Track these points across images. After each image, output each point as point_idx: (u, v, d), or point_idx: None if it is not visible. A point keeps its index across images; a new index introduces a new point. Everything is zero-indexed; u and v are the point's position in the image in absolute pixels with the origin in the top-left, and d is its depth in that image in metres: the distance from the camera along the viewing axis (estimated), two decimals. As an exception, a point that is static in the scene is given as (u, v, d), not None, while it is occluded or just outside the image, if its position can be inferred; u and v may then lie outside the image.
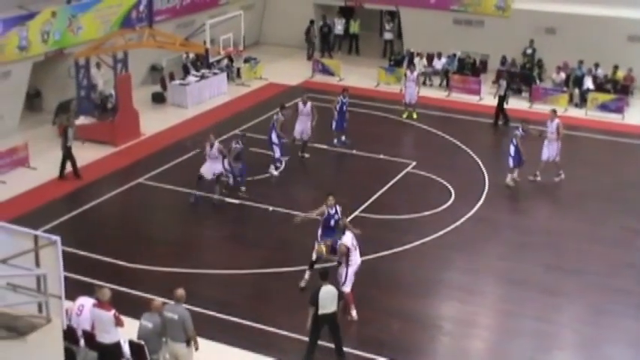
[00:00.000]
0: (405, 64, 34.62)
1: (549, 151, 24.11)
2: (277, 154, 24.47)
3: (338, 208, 18.14)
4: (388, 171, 24.62)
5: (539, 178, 24.22)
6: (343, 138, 26.72)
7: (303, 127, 25.55)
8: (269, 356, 15.80)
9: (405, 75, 30.45)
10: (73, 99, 27.80)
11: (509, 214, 22.39)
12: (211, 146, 22.24)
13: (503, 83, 29.71)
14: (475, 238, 20.92)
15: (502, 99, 29.52)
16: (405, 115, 29.96)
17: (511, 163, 23.88)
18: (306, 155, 25.79)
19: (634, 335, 17.08)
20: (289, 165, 24.99)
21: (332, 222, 18.01)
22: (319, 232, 18.13)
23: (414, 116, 29.76)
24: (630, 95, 32.00)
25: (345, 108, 26.57)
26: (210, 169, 22.26)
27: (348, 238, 16.94)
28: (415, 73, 30.15)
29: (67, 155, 23.64)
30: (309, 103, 25.55)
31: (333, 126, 26.68)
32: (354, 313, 16.97)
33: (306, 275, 18.13)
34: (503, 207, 22.75)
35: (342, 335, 15.58)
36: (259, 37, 40.16)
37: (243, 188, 22.85)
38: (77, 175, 23.87)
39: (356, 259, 16.90)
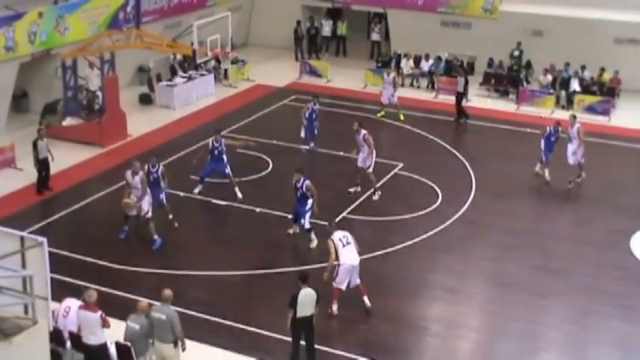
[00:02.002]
0: (393, 65, 34.75)
1: (572, 154, 24.12)
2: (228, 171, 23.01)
3: (305, 182, 19.81)
4: (376, 172, 24.61)
5: (578, 180, 24.41)
6: (312, 145, 26.24)
7: (364, 155, 22.96)
8: (256, 357, 15.77)
9: (384, 77, 30.62)
10: (59, 100, 27.72)
11: (496, 215, 22.40)
12: (134, 174, 19.77)
13: (461, 80, 30.24)
14: (462, 240, 20.96)
15: (460, 96, 30.04)
16: (379, 115, 30.24)
17: (543, 157, 24.51)
18: (358, 189, 23.32)
19: (620, 337, 17.11)
20: (275, 167, 24.95)
21: (299, 193, 19.95)
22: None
23: (402, 117, 29.85)
24: (616, 97, 32.12)
25: (315, 115, 26.09)
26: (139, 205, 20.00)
27: (337, 234, 17.15)
28: (392, 76, 30.38)
29: (42, 168, 22.88)
30: (362, 131, 22.82)
31: (302, 133, 26.09)
32: (334, 307, 17.00)
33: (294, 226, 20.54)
34: (491, 208, 22.77)
35: (315, 340, 15.50)
36: (247, 39, 40.15)
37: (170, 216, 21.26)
38: (46, 187, 22.99)
39: (346, 256, 16.89)
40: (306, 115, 25.97)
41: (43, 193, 22.91)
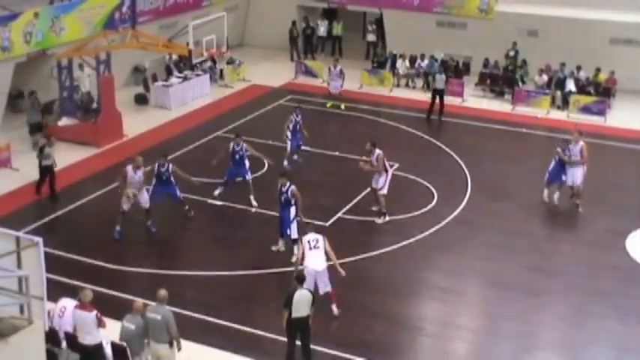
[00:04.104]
0: (388, 66, 34.81)
1: (570, 175, 22.62)
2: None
3: (291, 188, 19.17)
4: (371, 172, 24.60)
5: (577, 202, 22.87)
6: (295, 157, 25.51)
7: (378, 176, 21.73)
8: (252, 358, 15.77)
9: (330, 69, 31.86)
10: (55, 100, 27.68)
11: (492, 215, 22.41)
12: (136, 168, 20.11)
13: (442, 77, 30.53)
14: (458, 240, 20.97)
15: (437, 93, 30.29)
16: (329, 105, 31.27)
17: (546, 176, 23.06)
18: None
19: (616, 337, 17.14)
20: (272, 167, 24.93)
21: (282, 198, 19.29)
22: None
23: (342, 107, 31.00)
24: (612, 98, 32.14)
25: (298, 127, 25.24)
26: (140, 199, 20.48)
27: (308, 236, 16.94)
28: (339, 68, 31.87)
29: (46, 174, 22.56)
30: (377, 151, 21.52)
31: (289, 146, 25.06)
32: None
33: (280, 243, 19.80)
34: (486, 209, 22.77)
35: (311, 340, 15.48)
36: (242, 39, 40.14)
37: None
38: (52, 191, 22.78)
39: (309, 260, 16.66)
40: (290, 127, 25.07)
41: (40, 194, 22.86)
